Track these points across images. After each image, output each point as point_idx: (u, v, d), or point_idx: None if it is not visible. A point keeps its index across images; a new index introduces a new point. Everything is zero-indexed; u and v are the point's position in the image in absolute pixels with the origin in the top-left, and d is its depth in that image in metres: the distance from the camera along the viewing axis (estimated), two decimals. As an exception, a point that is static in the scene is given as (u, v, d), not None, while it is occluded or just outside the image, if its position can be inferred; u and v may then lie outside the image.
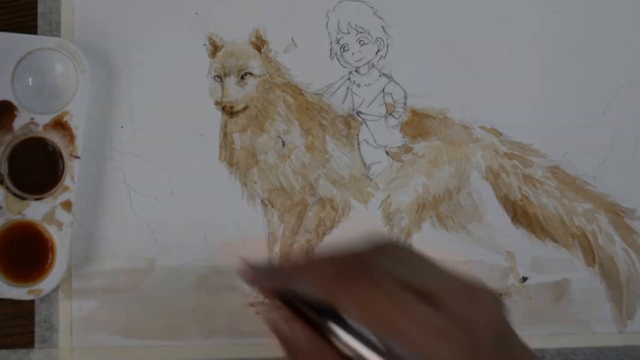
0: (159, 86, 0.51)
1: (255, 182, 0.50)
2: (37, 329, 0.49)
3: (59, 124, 0.48)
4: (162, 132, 0.50)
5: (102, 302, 0.49)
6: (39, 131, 0.48)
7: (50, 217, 0.47)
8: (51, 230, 0.47)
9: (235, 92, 0.50)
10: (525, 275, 0.50)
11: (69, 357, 0.49)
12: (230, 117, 0.50)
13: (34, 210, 0.47)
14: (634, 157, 0.51)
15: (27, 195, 0.48)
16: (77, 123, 0.48)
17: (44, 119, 0.48)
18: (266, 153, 0.50)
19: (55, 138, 0.48)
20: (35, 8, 0.51)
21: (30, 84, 0.49)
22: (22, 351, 0.49)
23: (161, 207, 0.50)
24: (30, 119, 0.48)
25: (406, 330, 0.29)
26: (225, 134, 0.51)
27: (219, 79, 0.51)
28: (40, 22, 0.50)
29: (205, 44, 0.51)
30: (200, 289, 0.50)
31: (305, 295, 0.32)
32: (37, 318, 0.49)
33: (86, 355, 0.49)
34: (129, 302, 0.49)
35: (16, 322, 0.49)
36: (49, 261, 0.47)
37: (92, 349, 0.49)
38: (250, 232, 0.50)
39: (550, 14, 0.52)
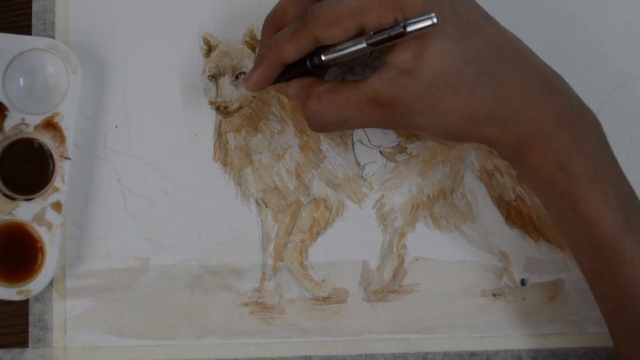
0: (153, 86, 0.51)
1: (250, 182, 0.50)
2: (31, 329, 0.49)
3: (50, 125, 0.48)
4: (157, 132, 0.50)
5: (96, 302, 0.49)
6: (30, 132, 0.48)
7: (40, 217, 0.47)
8: (41, 231, 0.47)
9: (229, 91, 0.50)
10: (523, 278, 0.50)
11: (63, 356, 0.49)
12: (225, 117, 0.50)
13: (24, 211, 0.47)
14: (628, 158, 0.51)
15: (17, 196, 0.48)
16: (68, 124, 0.48)
17: (34, 120, 0.48)
18: (260, 153, 0.50)
19: (46, 139, 0.48)
20: (30, 7, 0.51)
21: (22, 84, 0.49)
22: (16, 350, 0.49)
23: (155, 206, 0.50)
24: (21, 120, 0.48)
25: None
26: (219, 134, 0.51)
27: (214, 79, 0.51)
28: (34, 22, 0.50)
29: (199, 44, 0.51)
30: (194, 289, 0.50)
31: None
32: (31, 317, 0.49)
33: (80, 354, 0.49)
34: (123, 302, 0.49)
35: (10, 322, 0.49)
36: (39, 262, 0.47)
37: (86, 349, 0.49)
38: (244, 232, 0.50)
39: (544, 14, 0.52)
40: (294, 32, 0.41)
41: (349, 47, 0.41)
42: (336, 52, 0.41)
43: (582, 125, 0.42)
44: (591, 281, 0.44)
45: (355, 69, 0.51)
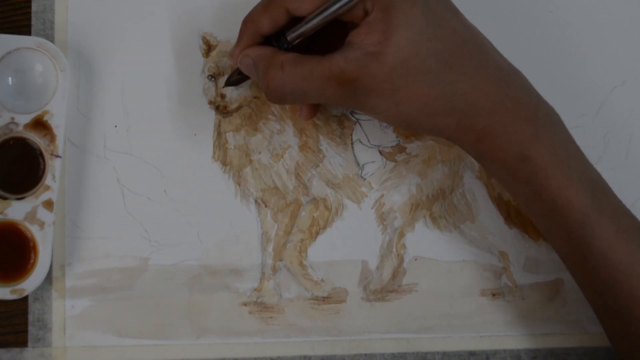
0: (153, 85, 0.51)
1: (249, 182, 0.50)
2: (30, 328, 0.49)
3: (40, 123, 0.48)
4: (156, 132, 0.50)
5: (96, 301, 0.49)
6: (20, 131, 0.48)
7: (32, 216, 0.47)
8: (33, 230, 0.47)
9: (229, 91, 0.50)
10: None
11: (62, 356, 0.49)
12: (224, 117, 0.50)
13: (16, 210, 0.47)
14: (627, 157, 0.51)
15: (8, 195, 0.48)
16: (58, 122, 0.48)
17: (24, 119, 0.48)
18: (260, 152, 0.50)
19: (36, 137, 0.48)
20: (29, 7, 0.51)
21: (10, 83, 0.49)
22: (15, 350, 0.49)
23: (154, 206, 0.50)
24: (11, 119, 0.48)
25: None
26: (219, 134, 0.51)
27: (213, 79, 0.51)
28: (34, 21, 0.50)
29: (199, 44, 0.51)
30: (194, 288, 0.50)
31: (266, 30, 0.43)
32: (30, 317, 0.49)
33: (79, 354, 0.49)
34: (122, 301, 0.49)
35: (9, 321, 0.49)
36: (32, 261, 0.47)
37: (86, 348, 0.49)
38: (243, 232, 0.50)
39: (544, 13, 0.52)
40: (266, 4, 0.43)
41: (309, 21, 0.42)
42: (298, 28, 0.42)
43: (540, 116, 0.43)
44: (570, 268, 0.45)
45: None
